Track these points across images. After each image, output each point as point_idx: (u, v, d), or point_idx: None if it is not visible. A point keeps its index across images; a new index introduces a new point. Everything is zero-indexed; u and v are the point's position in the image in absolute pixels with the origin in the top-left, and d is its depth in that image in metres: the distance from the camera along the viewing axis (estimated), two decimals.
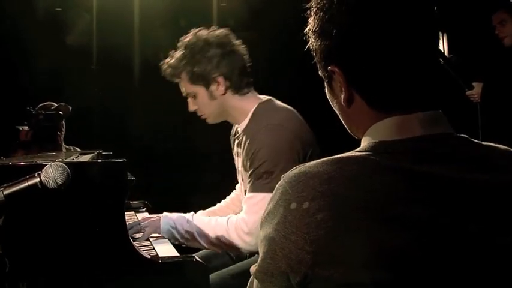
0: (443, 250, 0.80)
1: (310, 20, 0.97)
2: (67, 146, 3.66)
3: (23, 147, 3.47)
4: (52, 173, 1.31)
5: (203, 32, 2.32)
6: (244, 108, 2.32)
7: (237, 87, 2.30)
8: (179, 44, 2.35)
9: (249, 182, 2.18)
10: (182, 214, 2.29)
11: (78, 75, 4.69)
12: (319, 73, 1.00)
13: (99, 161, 2.18)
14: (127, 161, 1.77)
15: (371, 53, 0.89)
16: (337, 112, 1.02)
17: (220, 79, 2.27)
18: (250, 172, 2.18)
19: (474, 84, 4.02)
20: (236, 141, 2.42)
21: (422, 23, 0.91)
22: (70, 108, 3.48)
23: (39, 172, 1.32)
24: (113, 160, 1.88)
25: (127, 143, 4.58)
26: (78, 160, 2.09)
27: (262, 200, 2.08)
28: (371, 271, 0.78)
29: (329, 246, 0.80)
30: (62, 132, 3.57)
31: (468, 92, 4.05)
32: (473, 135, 0.95)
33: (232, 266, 2.32)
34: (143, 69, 4.94)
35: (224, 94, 2.29)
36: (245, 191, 2.31)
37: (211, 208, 2.71)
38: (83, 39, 4.89)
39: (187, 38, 2.33)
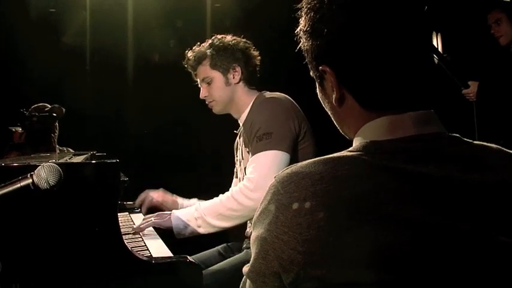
0: (435, 249, 0.80)
1: (302, 20, 0.97)
2: (60, 147, 3.65)
3: (17, 148, 3.46)
4: (44, 174, 1.31)
5: (229, 36, 2.61)
6: (247, 101, 2.56)
7: (249, 80, 2.58)
8: (206, 40, 2.62)
9: (251, 147, 2.38)
10: (189, 207, 2.44)
11: (72, 76, 4.68)
12: (311, 73, 1.00)
13: (92, 161, 2.17)
14: (120, 162, 1.77)
15: (362, 53, 0.89)
16: (329, 112, 1.02)
17: (238, 69, 2.54)
18: (252, 139, 2.38)
19: (470, 83, 4.03)
20: (238, 135, 2.64)
21: (414, 23, 0.91)
22: (64, 109, 3.47)
23: (32, 173, 1.32)
24: (105, 161, 1.88)
25: (120, 144, 4.57)
26: (71, 161, 2.08)
27: (264, 156, 2.29)
28: (364, 270, 0.78)
29: (321, 246, 0.80)
30: (56, 134, 3.55)
31: (464, 91, 4.06)
32: (469, 134, 0.95)
33: (224, 262, 2.36)
34: (137, 70, 4.94)
35: (238, 83, 2.55)
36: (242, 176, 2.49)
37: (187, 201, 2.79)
38: (76, 40, 4.89)
39: (215, 36, 2.62)
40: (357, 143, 0.93)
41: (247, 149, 2.47)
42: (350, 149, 0.92)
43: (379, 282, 0.78)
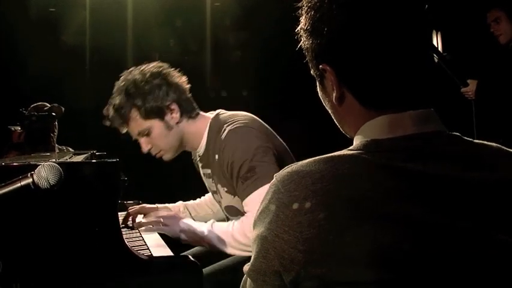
0: (435, 248, 0.80)
1: (302, 19, 0.97)
2: (59, 147, 3.65)
3: (16, 148, 3.46)
4: (45, 173, 1.31)
5: (135, 71, 2.29)
6: (199, 131, 2.30)
7: (189, 111, 2.29)
8: (115, 89, 2.29)
9: (239, 190, 2.13)
10: (199, 225, 2.19)
11: (72, 75, 4.68)
12: (311, 72, 1.01)
13: (92, 161, 2.17)
14: (120, 161, 1.77)
15: (362, 52, 0.89)
16: (329, 111, 1.02)
17: (174, 106, 2.24)
18: (235, 180, 2.13)
19: (469, 81, 4.03)
20: (201, 164, 2.41)
21: (413, 21, 0.92)
22: (63, 109, 3.46)
23: (32, 172, 1.32)
24: (105, 160, 1.88)
25: (120, 143, 4.57)
26: (71, 160, 2.09)
27: (258, 196, 2.02)
28: (364, 269, 0.78)
29: (321, 244, 0.80)
30: (55, 133, 3.55)
31: (463, 89, 4.06)
32: (468, 132, 0.95)
33: (224, 261, 2.30)
34: None
35: (179, 122, 2.27)
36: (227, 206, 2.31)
37: (192, 201, 2.72)
38: (76, 39, 4.88)
39: (122, 80, 2.28)
40: (357, 141, 0.93)
41: (225, 189, 2.25)
42: (350, 147, 0.92)
43: (379, 281, 0.78)
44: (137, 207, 2.42)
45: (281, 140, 2.31)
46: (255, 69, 4.72)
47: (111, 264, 1.69)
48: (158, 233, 2.29)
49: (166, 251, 2.01)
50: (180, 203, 2.66)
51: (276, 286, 0.87)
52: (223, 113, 2.33)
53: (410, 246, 0.79)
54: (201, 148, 2.31)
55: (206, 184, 2.47)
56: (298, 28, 0.99)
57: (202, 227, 2.16)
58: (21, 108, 3.41)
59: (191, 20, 5.15)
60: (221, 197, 2.31)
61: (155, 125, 2.23)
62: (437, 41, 4.68)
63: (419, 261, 0.79)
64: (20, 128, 3.45)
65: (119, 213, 1.94)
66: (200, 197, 2.76)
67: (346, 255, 0.79)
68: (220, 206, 2.38)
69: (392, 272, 0.78)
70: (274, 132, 2.31)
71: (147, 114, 2.21)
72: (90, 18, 4.95)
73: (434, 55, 3.46)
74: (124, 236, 1.74)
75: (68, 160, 2.07)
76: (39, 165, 1.33)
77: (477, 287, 0.81)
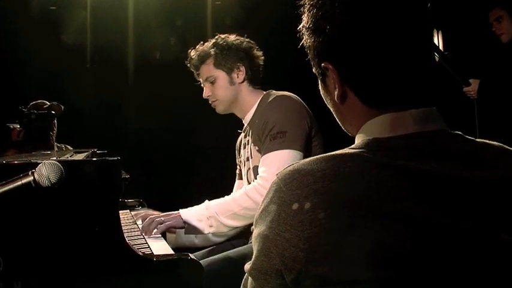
0: (436, 247, 0.80)
1: (304, 17, 0.97)
2: (59, 145, 3.65)
3: (15, 146, 3.45)
4: (46, 171, 1.31)
5: (232, 36, 2.60)
6: (252, 100, 2.55)
7: (253, 79, 2.57)
8: (209, 40, 2.59)
9: (264, 146, 2.34)
10: (196, 206, 2.37)
11: (73, 74, 4.68)
12: (313, 70, 1.00)
13: (93, 159, 2.16)
14: (121, 160, 1.76)
15: (364, 50, 0.89)
16: (331, 109, 1.02)
17: (242, 68, 2.53)
18: (264, 138, 2.35)
19: (471, 80, 4.02)
20: (243, 134, 2.62)
21: (416, 20, 0.91)
22: (62, 107, 3.46)
23: (33, 170, 1.32)
24: (106, 158, 1.87)
25: (121, 142, 4.57)
26: (72, 158, 2.08)
27: (279, 155, 2.26)
28: (366, 268, 0.78)
29: (323, 243, 0.80)
30: (54, 132, 3.54)
31: (465, 89, 4.05)
32: (470, 131, 0.95)
33: (225, 256, 2.32)
34: (138, 67, 4.93)
35: (242, 82, 2.54)
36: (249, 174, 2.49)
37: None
38: (77, 37, 4.88)
39: (218, 35, 2.61)
40: (359, 140, 0.93)
41: (257, 148, 2.45)
42: (352, 146, 0.92)
43: (381, 280, 0.78)
44: (142, 212, 2.56)
45: (317, 125, 2.48)
46: None
47: (112, 262, 1.68)
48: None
49: (167, 249, 2.01)
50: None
51: (278, 285, 0.87)
52: (274, 91, 2.57)
53: (412, 245, 0.79)
54: (249, 117, 2.56)
55: (239, 157, 2.68)
56: (300, 26, 0.99)
57: (199, 206, 2.33)
58: (21, 106, 3.40)
59: (192, 19, 5.15)
60: (251, 157, 2.51)
61: (221, 76, 2.53)
62: (438, 40, 4.67)
63: (421, 260, 0.79)
64: (19, 126, 3.44)
65: (120, 212, 1.94)
66: (203, 197, 2.76)
67: (347, 254, 0.79)
68: (248, 171, 2.55)
69: (393, 271, 0.78)
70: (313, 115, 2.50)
71: (218, 64, 2.52)
72: (91, 17, 4.95)
73: (436, 54, 3.46)
74: (125, 234, 1.74)
75: (69, 158, 2.06)
76: (40, 163, 1.33)
77: (478, 286, 0.81)
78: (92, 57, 5.08)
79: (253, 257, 0.90)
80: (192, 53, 2.58)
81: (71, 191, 1.63)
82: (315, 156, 0.88)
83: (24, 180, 1.31)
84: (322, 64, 0.95)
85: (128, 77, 4.93)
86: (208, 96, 2.57)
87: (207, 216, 2.28)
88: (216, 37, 2.58)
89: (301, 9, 0.98)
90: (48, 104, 3.48)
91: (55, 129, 3.55)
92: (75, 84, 4.54)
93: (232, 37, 2.58)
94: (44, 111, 3.40)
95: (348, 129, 1.01)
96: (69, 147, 3.72)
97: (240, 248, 2.39)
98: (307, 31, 0.97)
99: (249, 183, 2.48)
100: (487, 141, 0.96)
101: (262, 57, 2.62)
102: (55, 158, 1.54)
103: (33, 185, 1.31)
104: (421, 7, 0.93)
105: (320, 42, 0.94)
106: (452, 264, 0.80)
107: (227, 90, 2.53)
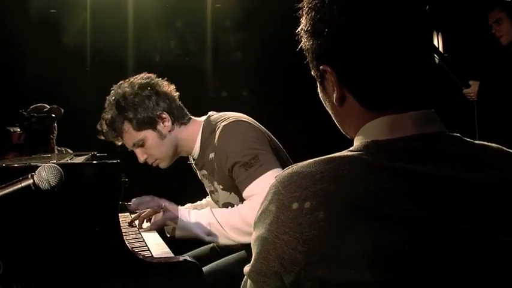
0: (435, 249, 0.80)
1: (303, 20, 0.97)
2: (59, 148, 3.65)
3: (15, 149, 3.45)
4: (45, 174, 1.31)
5: (124, 84, 2.33)
6: (192, 136, 2.34)
7: (180, 117, 2.34)
8: (106, 104, 2.33)
9: (241, 178, 2.12)
10: (197, 210, 2.23)
11: (73, 76, 4.68)
12: (312, 73, 1.01)
13: (93, 162, 2.17)
14: (121, 162, 1.77)
15: (363, 53, 0.89)
16: (330, 112, 1.02)
17: (165, 115, 2.29)
18: (237, 169, 2.12)
19: (471, 82, 4.02)
20: (197, 167, 2.43)
21: (414, 22, 0.91)
22: (62, 110, 3.46)
23: (33, 174, 1.32)
24: (106, 161, 1.87)
25: (121, 144, 4.57)
26: (72, 161, 2.09)
27: (265, 180, 2.05)
28: (365, 270, 0.78)
29: (322, 246, 0.80)
30: (54, 135, 3.55)
31: (465, 91, 4.05)
32: (470, 133, 0.95)
33: (223, 259, 2.30)
34: (138, 70, 4.91)
35: (171, 130, 2.31)
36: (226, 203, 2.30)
37: (199, 202, 2.73)
38: (77, 40, 4.88)
39: (113, 95, 2.32)
40: (357, 142, 0.93)
41: (221, 187, 2.27)
42: (351, 148, 0.92)
43: (380, 282, 0.78)
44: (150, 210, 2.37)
45: (272, 136, 2.33)
46: (255, 70, 4.72)
47: (112, 265, 1.69)
48: (158, 234, 2.29)
49: (167, 252, 2.01)
50: (188, 205, 2.68)
51: (277, 287, 0.87)
52: (214, 114, 2.37)
53: (411, 247, 0.79)
54: (196, 151, 2.34)
55: (205, 185, 2.49)
56: (299, 29, 0.99)
57: (202, 211, 2.17)
58: (21, 109, 3.41)
59: (192, 21, 5.15)
60: (218, 195, 2.33)
61: (148, 135, 2.28)
62: (437, 42, 4.68)
63: (420, 262, 0.79)
64: (19, 129, 3.44)
65: (120, 215, 1.94)
66: (202, 199, 2.77)
67: (346, 256, 0.79)
68: (218, 205, 2.40)
69: (392, 272, 0.78)
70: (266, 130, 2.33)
71: (140, 126, 2.26)
72: (91, 20, 4.95)
73: (436, 56, 3.46)
74: (124, 237, 1.74)
75: (69, 161, 2.07)
76: (39, 166, 1.33)
77: (478, 287, 0.81)
78: (92, 60, 5.08)
79: (252, 259, 0.90)
80: (103, 127, 2.33)
81: (70, 194, 1.63)
82: (314, 159, 0.88)
83: (23, 184, 1.31)
84: (321, 67, 0.95)
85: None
86: (146, 159, 2.35)
87: (209, 222, 2.13)
88: (113, 97, 2.30)
89: (300, 11, 0.98)
90: (48, 107, 3.48)
91: (55, 132, 3.56)
92: (75, 87, 4.54)
93: (127, 85, 2.30)
94: (44, 115, 3.40)
95: (346, 131, 1.01)
96: (69, 150, 3.72)
97: (240, 252, 2.38)
98: (306, 34, 0.97)
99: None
100: (486, 143, 0.96)
101: (172, 86, 2.37)
102: (55, 161, 1.55)
103: (32, 188, 1.31)
104: (419, 9, 0.93)
105: (318, 44, 0.94)
106: (451, 266, 0.80)
107: (162, 146, 2.31)
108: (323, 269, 0.80)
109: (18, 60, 4.57)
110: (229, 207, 2.22)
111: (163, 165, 2.38)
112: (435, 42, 4.57)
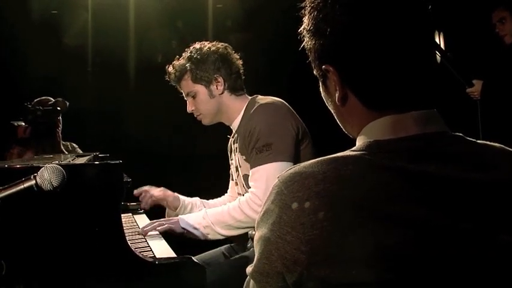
0: (437, 249, 0.80)
1: (305, 19, 0.97)
2: (64, 142, 3.64)
3: (20, 143, 3.43)
4: (48, 175, 1.31)
5: (206, 44, 2.59)
6: (237, 107, 2.56)
7: (233, 88, 2.56)
8: (185, 51, 2.60)
9: (251, 159, 2.36)
10: (195, 213, 2.48)
11: (74, 77, 4.68)
12: (314, 72, 1.01)
13: (95, 162, 2.17)
14: (123, 163, 1.77)
15: (365, 52, 0.89)
16: (332, 111, 1.02)
17: (220, 79, 2.53)
18: (250, 150, 2.36)
19: (474, 81, 4.01)
20: (233, 139, 2.62)
21: (416, 22, 0.91)
22: (67, 103, 3.44)
23: (35, 174, 1.32)
24: (108, 162, 1.88)
25: (123, 145, 4.57)
26: (74, 162, 2.09)
27: (267, 170, 2.27)
28: (367, 270, 0.78)
29: (324, 246, 0.80)
30: (59, 128, 3.53)
31: (468, 90, 4.04)
32: (473, 132, 0.95)
33: (226, 261, 2.41)
34: (139, 71, 4.93)
35: (222, 93, 2.54)
36: (240, 183, 2.53)
37: (212, 200, 2.81)
38: (78, 41, 4.88)
39: (192, 47, 2.60)
40: (360, 142, 0.93)
41: (244, 157, 2.47)
42: (353, 148, 0.92)
43: (382, 282, 0.78)
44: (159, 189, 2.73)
45: (304, 125, 2.49)
46: (256, 71, 4.72)
47: (114, 266, 1.69)
48: (161, 235, 2.30)
49: (170, 253, 2.01)
50: (196, 198, 2.78)
51: (279, 287, 0.87)
52: (259, 95, 2.58)
53: (413, 247, 0.79)
54: (236, 123, 2.56)
55: (232, 162, 2.67)
56: (301, 28, 0.99)
57: (198, 214, 2.41)
58: (26, 102, 3.38)
59: (193, 21, 5.15)
60: (240, 166, 2.53)
61: (200, 90, 2.54)
62: (439, 41, 4.67)
63: (422, 262, 0.79)
64: (23, 123, 3.43)
65: (122, 215, 1.94)
66: (204, 198, 2.78)
67: (349, 256, 0.79)
68: (239, 179, 2.57)
69: (394, 272, 0.78)
70: (298, 117, 2.50)
71: (196, 79, 2.53)
72: (92, 20, 4.94)
73: (438, 54, 3.46)
74: (127, 237, 1.74)
75: (71, 162, 2.07)
76: (42, 167, 1.33)
77: (479, 287, 0.81)
78: (93, 61, 5.07)
79: (255, 259, 0.90)
80: (170, 70, 2.61)
81: (73, 194, 1.63)
82: (316, 159, 0.88)
83: (26, 184, 1.31)
84: (323, 66, 0.95)
85: (129, 80, 4.93)
86: (192, 110, 2.60)
87: (204, 225, 2.34)
88: (191, 48, 2.59)
89: (302, 11, 0.98)
90: (53, 100, 3.47)
91: (60, 125, 3.54)
92: (77, 88, 4.54)
93: (207, 45, 2.58)
94: (49, 108, 3.39)
95: (348, 131, 1.01)
96: (74, 145, 3.72)
97: (241, 255, 2.42)
98: (308, 33, 0.97)
99: (243, 186, 2.53)
100: (488, 142, 0.96)
101: (241, 62, 2.62)
102: (57, 162, 1.55)
103: (35, 188, 1.31)
104: (422, 9, 0.93)
105: (321, 44, 0.94)
106: (452, 266, 0.80)
107: (208, 103, 2.55)
108: (325, 269, 0.80)
109: (20, 61, 4.57)
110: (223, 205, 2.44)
111: (205, 121, 2.61)
112: (438, 41, 4.56)
